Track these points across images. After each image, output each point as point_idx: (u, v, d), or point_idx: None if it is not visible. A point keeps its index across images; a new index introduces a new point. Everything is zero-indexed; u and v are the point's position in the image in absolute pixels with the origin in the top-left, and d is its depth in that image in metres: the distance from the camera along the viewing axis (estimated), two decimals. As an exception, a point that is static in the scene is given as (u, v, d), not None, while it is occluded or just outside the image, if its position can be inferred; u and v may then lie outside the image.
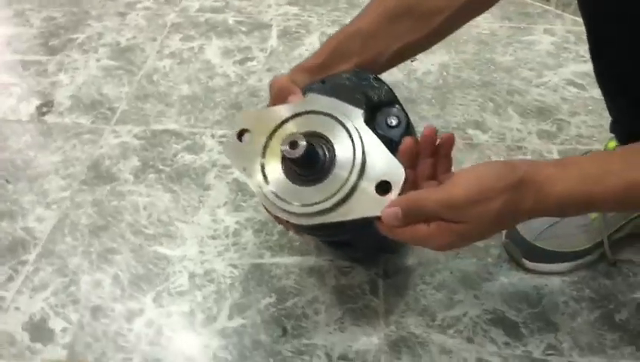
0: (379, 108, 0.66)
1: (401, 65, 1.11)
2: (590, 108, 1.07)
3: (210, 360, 0.73)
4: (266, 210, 0.61)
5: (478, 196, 0.51)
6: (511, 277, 0.81)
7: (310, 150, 0.56)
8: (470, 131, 1.03)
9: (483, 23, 1.28)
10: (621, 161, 0.54)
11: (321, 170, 0.58)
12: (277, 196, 0.59)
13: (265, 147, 0.61)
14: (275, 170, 0.60)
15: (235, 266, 0.83)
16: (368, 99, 0.65)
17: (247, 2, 1.39)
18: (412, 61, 1.17)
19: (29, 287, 0.82)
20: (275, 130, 0.61)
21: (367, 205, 0.56)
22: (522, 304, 0.78)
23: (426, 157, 0.57)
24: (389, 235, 0.55)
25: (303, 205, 0.57)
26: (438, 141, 0.56)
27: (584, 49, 1.13)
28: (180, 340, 0.76)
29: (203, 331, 0.76)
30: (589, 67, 0.79)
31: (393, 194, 0.55)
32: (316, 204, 0.57)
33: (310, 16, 1.34)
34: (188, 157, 1.00)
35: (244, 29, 1.31)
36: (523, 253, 0.81)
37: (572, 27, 1.27)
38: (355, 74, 0.67)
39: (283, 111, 0.62)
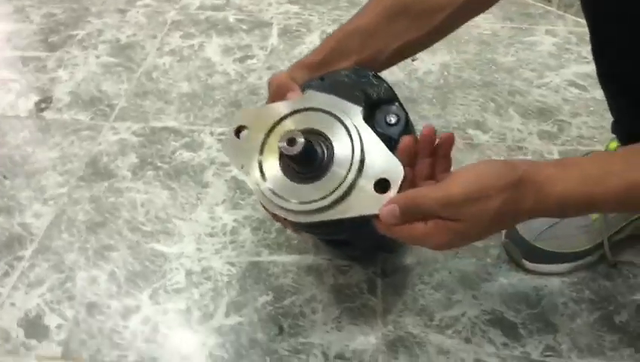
0: (378, 105, 0.65)
1: (402, 65, 1.12)
2: (591, 109, 1.06)
3: (207, 358, 0.73)
4: (264, 207, 0.61)
5: (477, 194, 0.51)
6: (510, 278, 0.80)
7: (308, 147, 0.55)
8: (471, 131, 1.03)
9: (484, 24, 1.28)
10: (622, 162, 0.54)
11: (320, 167, 0.57)
12: (275, 193, 0.58)
13: (263, 144, 0.60)
14: (272, 167, 0.59)
15: (232, 264, 0.83)
16: (367, 96, 0.64)
17: (247, 0, 1.39)
18: (413, 60, 1.17)
19: (25, 283, 0.81)
20: (273, 127, 0.60)
21: (365, 203, 0.55)
22: (521, 304, 0.77)
23: (425, 156, 0.56)
24: (387, 234, 0.55)
25: (301, 203, 0.57)
26: (437, 141, 0.56)
27: (586, 50, 1.13)
28: (176, 338, 0.75)
29: (199, 329, 0.76)
30: (590, 68, 0.79)
31: (392, 193, 0.54)
32: (314, 201, 0.56)
33: (311, 15, 1.34)
34: (186, 155, 1.00)
35: (244, 27, 1.30)
36: (523, 253, 0.80)
37: (574, 28, 1.27)
38: (354, 71, 0.66)
39: (281, 108, 0.61)
